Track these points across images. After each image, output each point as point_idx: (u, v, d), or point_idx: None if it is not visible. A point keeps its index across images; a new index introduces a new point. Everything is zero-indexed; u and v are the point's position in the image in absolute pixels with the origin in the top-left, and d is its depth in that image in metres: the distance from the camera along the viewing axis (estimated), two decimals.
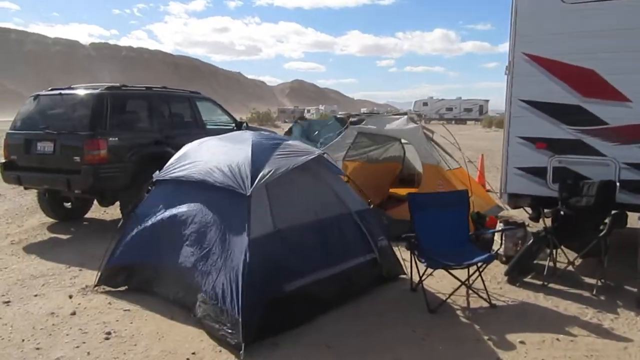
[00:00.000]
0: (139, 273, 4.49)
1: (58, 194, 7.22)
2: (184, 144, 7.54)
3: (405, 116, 7.10)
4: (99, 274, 4.78)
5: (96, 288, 4.76)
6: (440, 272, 4.60)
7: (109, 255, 4.72)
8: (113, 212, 8.09)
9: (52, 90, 7.24)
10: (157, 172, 4.76)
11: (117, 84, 7.29)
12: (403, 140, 7.38)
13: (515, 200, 5.72)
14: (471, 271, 4.47)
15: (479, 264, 4.40)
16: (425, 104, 63.74)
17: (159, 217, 4.23)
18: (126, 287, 4.68)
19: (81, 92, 6.88)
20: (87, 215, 8.16)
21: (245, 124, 8.90)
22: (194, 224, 3.98)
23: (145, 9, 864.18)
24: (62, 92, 7.00)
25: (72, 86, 7.38)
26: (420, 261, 4.49)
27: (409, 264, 4.74)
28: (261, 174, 3.96)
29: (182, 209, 4.13)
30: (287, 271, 3.97)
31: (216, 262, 3.78)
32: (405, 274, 5.06)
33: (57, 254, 6.13)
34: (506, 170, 5.69)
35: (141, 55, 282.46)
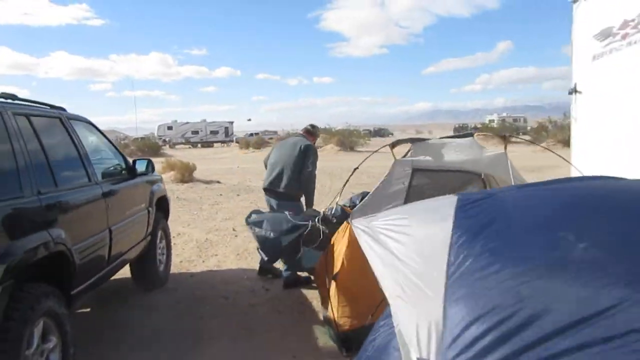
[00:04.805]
0: None
1: None
2: (78, 216, 3.27)
3: (472, 138, 4.52)
4: None
5: None
6: None
7: None
8: None
9: None
10: None
11: None
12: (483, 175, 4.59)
13: None
14: None
15: None
16: (170, 127, 60.45)
17: None
18: None
19: None
20: None
21: (149, 166, 4.85)
22: None
23: None
24: None
25: None
26: None
27: None
28: None
29: None
30: None
31: None
32: None
33: None
34: None
35: None
